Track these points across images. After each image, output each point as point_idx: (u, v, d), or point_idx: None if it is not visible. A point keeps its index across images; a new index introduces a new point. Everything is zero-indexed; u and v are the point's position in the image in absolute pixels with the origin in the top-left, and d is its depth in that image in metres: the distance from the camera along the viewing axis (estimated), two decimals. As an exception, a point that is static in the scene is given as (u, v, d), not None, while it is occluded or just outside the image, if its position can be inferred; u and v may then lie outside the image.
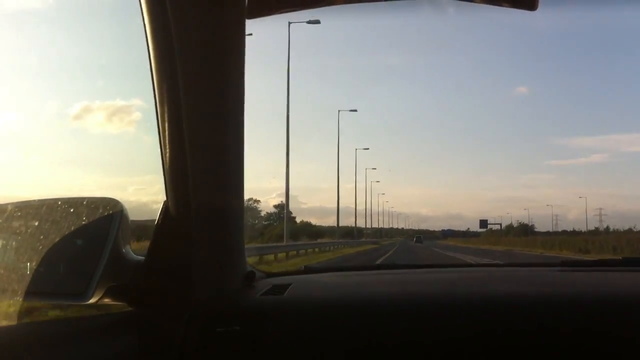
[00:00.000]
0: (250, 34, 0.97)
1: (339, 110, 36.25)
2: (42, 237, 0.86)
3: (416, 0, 1.07)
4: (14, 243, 0.90)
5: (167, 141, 0.91)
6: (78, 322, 0.89)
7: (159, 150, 0.92)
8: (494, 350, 0.86)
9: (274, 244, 20.30)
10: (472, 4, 0.91)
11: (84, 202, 0.90)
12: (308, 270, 1.31)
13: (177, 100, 0.89)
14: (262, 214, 55.49)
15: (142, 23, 0.88)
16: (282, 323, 0.92)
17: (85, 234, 0.88)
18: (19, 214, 0.90)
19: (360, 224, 61.15)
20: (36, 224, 0.88)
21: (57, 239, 0.86)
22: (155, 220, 0.94)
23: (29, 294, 0.83)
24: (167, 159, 0.91)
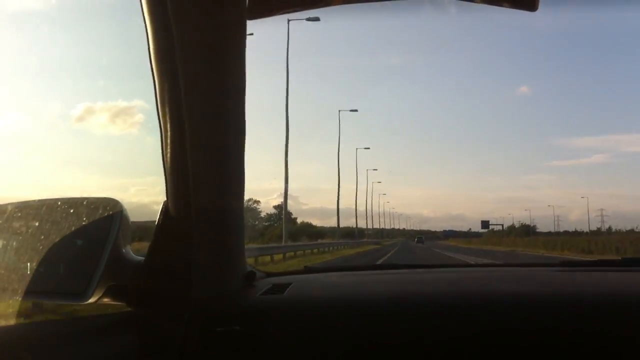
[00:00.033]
0: (251, 34, 0.97)
1: (339, 110, 36.37)
2: (42, 237, 0.86)
3: (416, 0, 1.07)
4: (14, 243, 0.90)
5: (167, 141, 0.91)
6: (78, 322, 0.90)
7: (160, 151, 0.92)
8: (493, 350, 0.85)
9: (271, 245, 19.72)
10: (473, 4, 0.91)
11: (84, 203, 0.90)
12: (308, 270, 1.31)
13: (178, 101, 0.89)
14: (263, 214, 55.54)
15: (143, 23, 0.88)
16: (282, 322, 0.92)
17: (85, 234, 0.88)
18: (19, 214, 0.90)
19: (362, 224, 61.27)
20: (36, 224, 0.88)
21: (57, 239, 0.86)
22: (156, 221, 0.94)
23: (29, 293, 0.84)
24: (168, 159, 0.92)
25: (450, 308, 0.92)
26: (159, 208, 0.95)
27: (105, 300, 0.88)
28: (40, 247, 0.85)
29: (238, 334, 0.89)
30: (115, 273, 0.86)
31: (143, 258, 0.92)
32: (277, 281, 1.10)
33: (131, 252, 0.91)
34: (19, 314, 0.84)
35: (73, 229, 0.87)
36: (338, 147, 35.49)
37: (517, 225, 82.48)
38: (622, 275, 1.16)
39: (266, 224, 53.33)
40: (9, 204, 0.93)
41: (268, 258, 14.74)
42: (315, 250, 23.52)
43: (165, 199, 0.94)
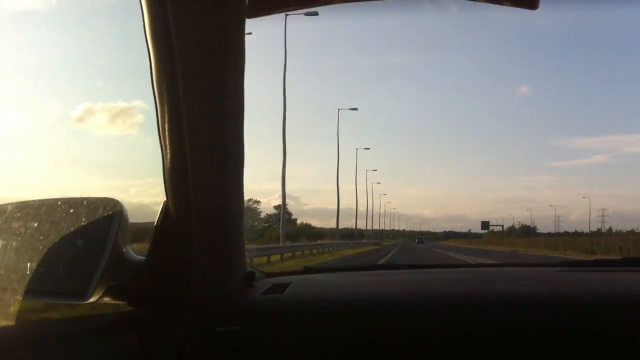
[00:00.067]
0: (250, 33, 0.97)
1: (338, 109, 36.28)
2: (42, 237, 0.86)
3: (416, -1, 1.08)
4: (14, 243, 0.90)
5: (167, 141, 0.91)
6: (78, 322, 0.90)
7: (160, 151, 0.92)
8: (494, 350, 0.85)
9: (268, 246, 19.15)
10: (473, 2, 0.91)
11: (84, 203, 0.90)
12: (308, 270, 1.31)
13: (177, 100, 0.89)
14: (262, 215, 55.51)
15: (142, 23, 0.88)
16: (282, 322, 0.92)
17: (85, 234, 0.88)
18: (19, 214, 0.90)
19: (362, 225, 61.24)
20: (36, 224, 0.88)
21: (57, 239, 0.86)
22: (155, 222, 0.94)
23: (29, 293, 0.84)
24: (167, 159, 0.92)
25: (450, 308, 0.92)
26: (159, 209, 0.95)
27: (105, 300, 0.88)
28: (40, 247, 0.85)
29: (238, 334, 0.89)
30: (115, 273, 0.86)
31: (143, 258, 0.92)
32: (277, 281, 1.10)
33: (131, 252, 0.91)
34: (19, 314, 0.84)
35: (73, 229, 0.87)
36: (337, 145, 35.43)
37: (517, 226, 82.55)
38: (622, 275, 1.16)
39: (265, 224, 53.35)
40: (8, 204, 0.93)
41: (265, 259, 14.20)
42: (314, 251, 23.18)
43: (165, 199, 0.94)
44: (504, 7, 0.91)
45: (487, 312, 0.90)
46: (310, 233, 47.64)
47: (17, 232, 0.90)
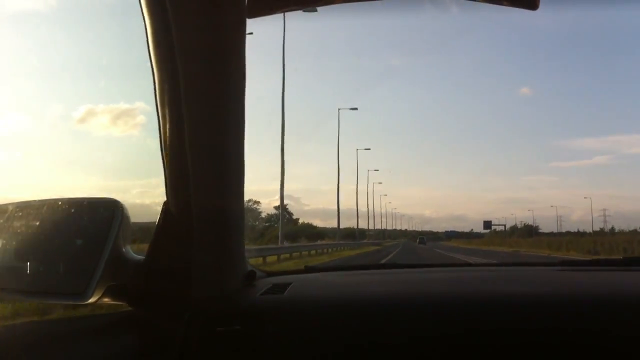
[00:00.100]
0: (251, 33, 0.97)
1: (339, 109, 36.20)
2: (42, 237, 0.86)
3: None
4: (14, 243, 0.90)
5: (168, 141, 0.91)
6: (78, 321, 0.90)
7: (160, 151, 0.92)
8: (493, 349, 0.85)
9: (264, 247, 18.72)
10: (473, 2, 0.91)
11: (85, 203, 0.90)
12: (308, 269, 1.31)
13: (177, 101, 0.89)
14: (263, 215, 55.52)
15: (143, 24, 0.89)
16: (282, 322, 0.92)
17: (86, 233, 0.88)
18: (20, 214, 0.91)
19: (363, 225, 61.17)
20: (37, 224, 0.88)
21: (58, 239, 0.86)
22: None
23: (29, 293, 0.84)
24: (168, 159, 0.92)
25: (450, 307, 0.92)
26: (160, 209, 0.95)
27: (105, 300, 0.88)
28: (41, 247, 0.85)
29: (238, 333, 0.89)
30: (116, 273, 0.86)
31: (143, 257, 0.92)
32: (278, 281, 1.10)
33: (131, 252, 0.91)
34: (19, 314, 0.84)
35: (73, 228, 0.87)
36: (338, 145, 35.43)
37: (519, 226, 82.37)
38: (623, 275, 1.15)
39: (266, 224, 53.37)
40: (9, 203, 0.93)
41: (260, 260, 13.60)
42: (312, 252, 22.82)
43: (165, 199, 0.94)
44: (505, 7, 0.91)
45: (487, 312, 0.90)
46: (311, 233, 47.52)
47: (18, 231, 0.90)
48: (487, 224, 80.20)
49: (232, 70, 0.94)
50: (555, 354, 0.84)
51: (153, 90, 0.90)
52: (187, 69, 0.88)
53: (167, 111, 0.90)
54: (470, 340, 0.86)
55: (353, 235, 49.69)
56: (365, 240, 50.52)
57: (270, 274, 1.23)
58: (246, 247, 1.08)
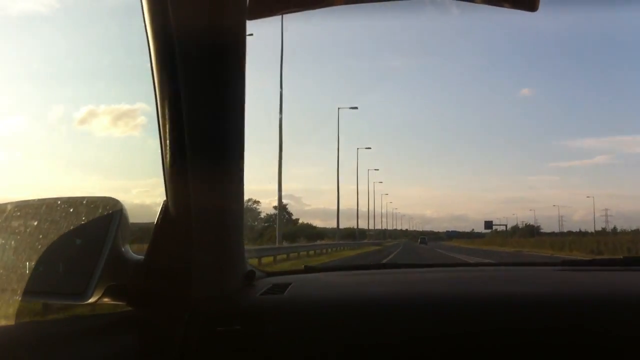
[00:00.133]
0: (251, 35, 0.97)
1: (338, 108, 36.02)
2: (41, 236, 0.86)
3: (417, 0, 1.07)
4: (13, 243, 0.90)
5: (167, 141, 0.91)
6: (78, 322, 0.90)
7: (160, 151, 0.93)
8: (494, 349, 0.85)
9: (260, 247, 17.98)
10: (473, 4, 0.91)
11: (84, 202, 0.90)
12: (308, 269, 1.31)
13: (177, 101, 0.89)
14: (262, 215, 55.38)
15: (144, 25, 0.89)
16: (282, 322, 0.92)
17: (85, 233, 0.88)
18: (19, 213, 0.90)
19: (364, 225, 61.08)
20: (35, 223, 0.88)
21: (57, 239, 0.86)
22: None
23: (29, 293, 0.84)
24: (168, 159, 0.92)
25: (450, 307, 0.92)
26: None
27: (105, 300, 0.88)
28: (40, 247, 0.85)
29: (238, 333, 0.89)
30: (115, 273, 0.86)
31: (143, 257, 0.92)
32: (277, 281, 1.10)
33: (131, 252, 0.91)
34: (19, 314, 0.85)
35: (72, 228, 0.87)
36: (337, 145, 35.34)
37: (520, 226, 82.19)
38: (623, 275, 1.15)
39: (266, 224, 53.28)
40: (8, 203, 0.93)
41: (255, 261, 12.70)
42: (311, 253, 22.28)
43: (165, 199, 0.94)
44: (505, 9, 0.91)
45: (487, 312, 0.90)
46: (311, 233, 47.41)
47: (17, 231, 0.90)
48: (489, 224, 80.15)
49: (232, 70, 0.94)
50: (555, 354, 0.84)
51: (153, 91, 0.91)
52: (187, 70, 0.89)
53: (167, 112, 0.90)
54: (471, 340, 0.86)
55: (353, 235, 49.53)
56: (365, 241, 50.36)
57: (270, 274, 1.23)
58: (245, 247, 1.08)
